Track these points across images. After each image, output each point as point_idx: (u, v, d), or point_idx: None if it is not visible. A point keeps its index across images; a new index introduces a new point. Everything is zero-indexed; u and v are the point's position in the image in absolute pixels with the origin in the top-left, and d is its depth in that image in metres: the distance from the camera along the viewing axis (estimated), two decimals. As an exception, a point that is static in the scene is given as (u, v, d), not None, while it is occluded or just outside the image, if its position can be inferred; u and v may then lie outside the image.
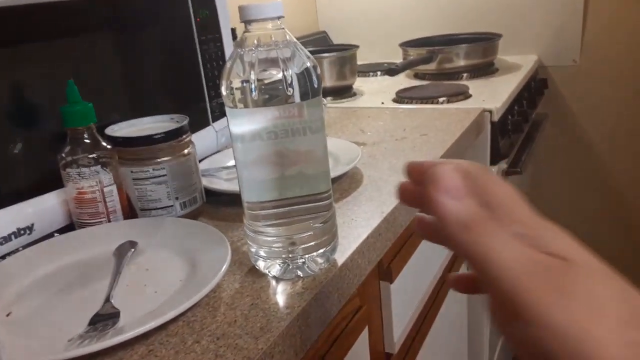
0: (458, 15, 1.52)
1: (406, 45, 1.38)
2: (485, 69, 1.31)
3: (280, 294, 0.44)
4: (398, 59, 1.46)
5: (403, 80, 1.33)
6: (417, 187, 0.29)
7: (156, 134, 0.56)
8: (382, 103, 1.11)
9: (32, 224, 0.53)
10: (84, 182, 0.53)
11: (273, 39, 0.42)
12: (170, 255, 0.50)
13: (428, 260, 0.77)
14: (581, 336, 0.20)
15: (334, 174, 0.62)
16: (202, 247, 0.49)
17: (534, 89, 1.32)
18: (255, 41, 0.42)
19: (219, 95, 0.79)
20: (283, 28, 0.43)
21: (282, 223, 0.45)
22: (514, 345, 0.22)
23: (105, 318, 0.40)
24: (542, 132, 1.32)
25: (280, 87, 0.41)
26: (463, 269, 1.00)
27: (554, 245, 0.22)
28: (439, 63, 1.29)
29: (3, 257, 0.51)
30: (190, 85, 0.75)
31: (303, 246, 0.45)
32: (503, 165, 1.04)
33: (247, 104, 0.42)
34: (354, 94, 1.22)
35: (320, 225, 0.46)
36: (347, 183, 0.66)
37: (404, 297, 0.68)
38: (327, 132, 0.50)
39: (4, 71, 0.52)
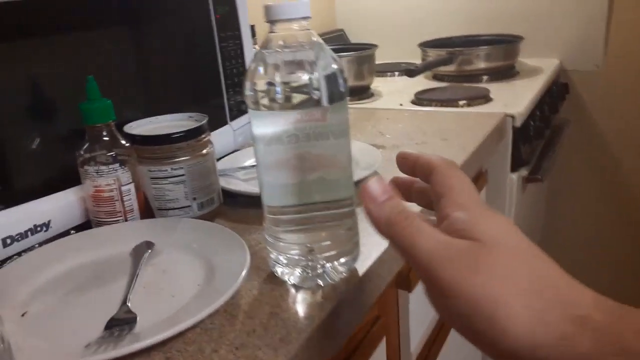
0: (478, 16, 1.49)
1: (425, 45, 1.36)
2: (505, 72, 1.29)
3: (300, 303, 0.43)
4: (416, 59, 1.44)
5: (421, 81, 1.31)
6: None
7: (175, 133, 0.55)
8: (401, 105, 1.10)
9: (49, 221, 0.52)
10: (101, 179, 0.53)
11: (299, 40, 0.41)
12: (187, 258, 0.49)
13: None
14: (489, 301, 0.24)
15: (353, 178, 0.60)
16: (220, 251, 0.48)
17: (556, 93, 1.29)
18: (281, 42, 0.41)
19: (237, 93, 0.78)
20: (309, 29, 0.42)
21: (303, 229, 0.44)
22: (444, 317, 0.27)
23: (122, 322, 0.39)
24: (562, 138, 1.30)
25: (305, 90, 0.40)
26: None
27: (476, 229, 0.27)
28: (459, 65, 1.27)
29: (19, 253, 0.51)
30: (208, 82, 0.74)
31: (324, 254, 0.44)
32: (524, 172, 1.02)
33: (270, 106, 0.41)
34: (372, 95, 1.21)
35: (342, 232, 0.44)
36: (367, 187, 0.65)
37: (422, 306, 0.66)
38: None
39: (22, 65, 0.51)
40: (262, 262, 0.49)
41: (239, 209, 0.62)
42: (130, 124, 0.59)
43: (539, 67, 1.34)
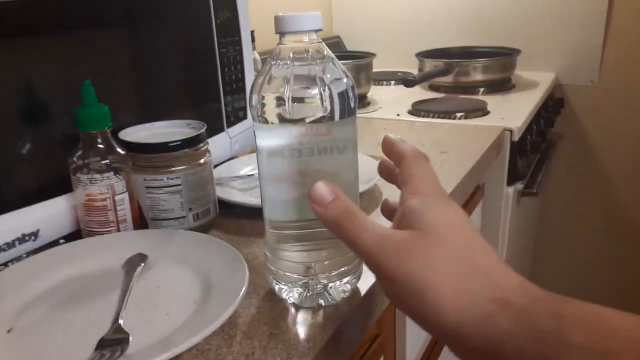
0: (475, 28, 1.49)
1: (422, 55, 1.35)
2: (502, 85, 1.29)
3: (301, 324, 0.41)
4: (412, 68, 1.43)
5: (418, 91, 1.30)
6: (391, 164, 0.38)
7: (173, 142, 0.53)
8: (398, 115, 1.09)
9: (38, 230, 0.50)
10: (94, 188, 0.51)
11: (309, 53, 0.40)
12: (182, 272, 0.47)
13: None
14: (419, 283, 0.28)
15: (354, 192, 0.59)
16: (217, 265, 0.46)
17: (552, 108, 1.29)
18: (291, 54, 0.39)
19: (235, 100, 0.76)
20: (320, 42, 0.40)
21: (303, 246, 0.43)
22: (389, 298, 0.31)
23: (113, 343, 0.37)
24: (556, 153, 1.30)
25: (314, 105, 0.39)
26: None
27: (424, 218, 0.30)
28: (456, 76, 1.27)
29: (6, 264, 0.49)
30: (206, 88, 0.72)
31: (325, 274, 0.42)
32: (519, 186, 1.01)
33: (277, 120, 0.39)
34: (368, 103, 1.20)
35: (345, 251, 0.43)
36: (366, 202, 0.64)
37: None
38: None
39: (13, 66, 0.49)
40: (260, 278, 0.48)
41: (235, 219, 0.60)
42: (126, 130, 0.57)
43: (535, 80, 1.34)
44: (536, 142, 1.07)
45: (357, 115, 0.42)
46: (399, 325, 0.61)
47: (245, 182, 0.69)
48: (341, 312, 0.42)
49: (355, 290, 0.45)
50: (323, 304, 0.43)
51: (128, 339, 0.37)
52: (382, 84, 1.41)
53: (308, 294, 0.43)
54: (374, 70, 1.23)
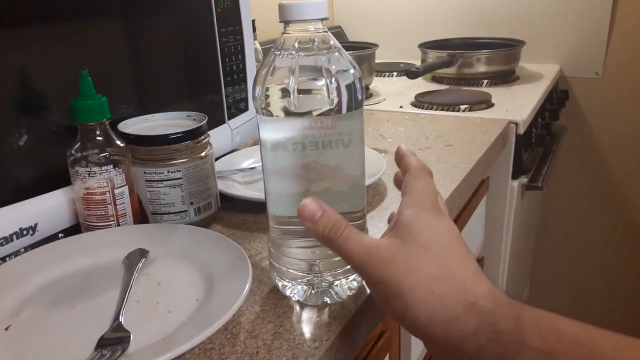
0: (479, 19, 1.47)
1: (425, 46, 1.34)
2: (506, 77, 1.27)
3: (306, 323, 0.40)
4: (414, 59, 1.42)
5: (421, 83, 1.28)
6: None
7: (173, 134, 0.52)
8: (401, 107, 1.07)
9: (36, 224, 0.49)
10: (93, 181, 0.49)
11: (315, 42, 0.38)
12: (184, 268, 0.46)
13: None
14: (397, 285, 0.31)
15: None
16: (220, 261, 0.45)
17: (556, 100, 1.28)
18: (295, 44, 0.38)
19: (237, 91, 0.75)
20: (326, 31, 0.39)
21: (309, 243, 0.41)
22: (375, 298, 0.34)
23: (114, 342, 0.36)
24: (561, 146, 1.28)
25: (320, 97, 0.37)
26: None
27: (412, 228, 0.33)
28: (459, 67, 1.25)
29: (3, 258, 0.47)
30: (207, 79, 0.70)
31: (331, 271, 0.41)
32: (523, 179, 1.00)
33: (282, 112, 0.38)
34: (371, 95, 1.18)
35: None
36: (370, 196, 0.62)
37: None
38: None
39: (8, 55, 0.47)
40: (263, 275, 0.47)
41: (237, 214, 0.59)
42: (125, 121, 0.55)
43: (539, 72, 1.33)
44: (541, 135, 1.05)
45: (361, 107, 0.41)
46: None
47: (248, 175, 0.67)
48: (347, 310, 0.41)
49: (361, 288, 0.43)
50: (329, 302, 0.42)
51: (129, 337, 0.36)
52: (384, 76, 1.39)
53: (313, 292, 0.42)
54: (376, 61, 1.22)
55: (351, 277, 0.42)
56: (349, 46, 1.23)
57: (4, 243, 0.47)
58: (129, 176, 0.52)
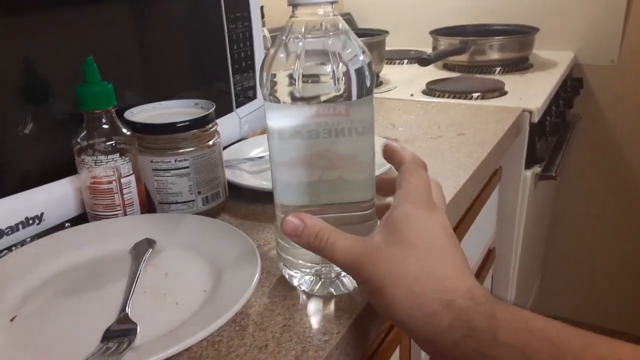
0: (491, 5, 1.44)
1: (437, 33, 1.31)
2: (519, 64, 1.24)
3: (315, 315, 0.39)
4: (425, 47, 1.39)
5: (432, 71, 1.26)
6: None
7: (180, 122, 0.51)
8: (412, 95, 1.05)
9: (42, 213, 0.48)
10: (99, 170, 0.49)
11: (324, 26, 0.37)
12: (191, 259, 0.45)
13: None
14: (382, 284, 0.33)
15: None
16: (228, 252, 0.44)
17: (570, 88, 1.25)
18: (303, 28, 0.37)
19: (245, 79, 0.74)
20: (336, 14, 0.38)
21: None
22: (364, 294, 0.37)
23: (120, 334, 0.35)
24: (574, 135, 1.26)
25: (328, 83, 0.36)
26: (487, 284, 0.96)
27: (402, 225, 0.34)
28: (471, 55, 1.23)
29: (9, 248, 0.47)
30: (214, 67, 0.69)
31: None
32: (537, 169, 0.98)
33: (289, 99, 0.37)
34: (381, 83, 1.17)
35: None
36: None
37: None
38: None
39: (13, 42, 0.46)
40: (271, 265, 0.46)
41: (245, 203, 0.58)
42: (132, 109, 0.55)
43: (553, 60, 1.30)
44: (555, 124, 1.03)
45: (370, 95, 0.39)
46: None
47: (256, 164, 0.66)
48: (357, 302, 0.40)
49: (372, 279, 0.42)
50: (334, 293, 0.41)
51: (136, 329, 0.36)
52: (394, 63, 1.37)
53: (320, 282, 0.41)
54: (387, 49, 1.20)
55: (362, 269, 0.41)
56: (359, 33, 1.20)
57: (9, 232, 0.46)
58: (136, 165, 0.51)
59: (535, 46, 1.28)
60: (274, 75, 0.37)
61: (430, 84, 1.09)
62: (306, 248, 0.36)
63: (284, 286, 0.43)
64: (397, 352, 0.53)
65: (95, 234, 0.48)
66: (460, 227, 0.72)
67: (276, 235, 0.43)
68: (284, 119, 0.38)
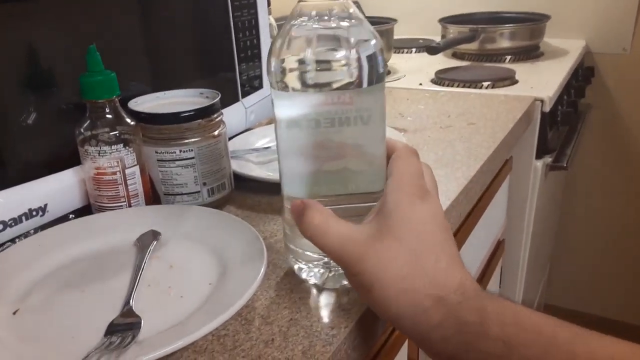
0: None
1: (446, 21, 1.29)
2: (530, 53, 1.22)
3: (323, 309, 0.38)
4: (434, 35, 1.37)
5: (441, 60, 1.24)
6: None
7: (185, 112, 0.50)
8: (420, 84, 1.04)
9: (45, 205, 0.48)
10: (103, 161, 0.48)
11: (334, 11, 0.35)
12: (197, 251, 0.44)
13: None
14: (371, 281, 0.32)
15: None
16: (233, 244, 0.43)
17: (582, 77, 1.23)
18: (313, 13, 0.35)
19: (251, 68, 0.72)
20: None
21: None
22: (353, 287, 0.35)
23: (124, 328, 0.34)
24: (586, 125, 1.24)
25: (340, 70, 0.35)
26: (494, 281, 0.95)
27: (392, 215, 0.34)
28: (481, 43, 1.20)
29: (13, 240, 0.46)
30: (220, 56, 0.68)
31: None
32: (547, 159, 0.97)
33: (299, 86, 0.35)
34: (389, 72, 1.15)
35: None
36: (390, 175, 0.60)
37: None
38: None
39: (16, 30, 0.45)
40: (278, 258, 0.45)
41: (251, 195, 0.57)
42: (136, 99, 0.54)
43: (564, 48, 1.27)
44: (567, 114, 1.01)
45: (379, 84, 0.38)
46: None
47: (262, 155, 0.65)
48: (366, 295, 0.39)
49: (381, 272, 0.41)
50: (347, 284, 0.40)
51: (140, 323, 0.35)
52: (403, 52, 1.35)
53: (330, 275, 0.40)
54: (395, 37, 1.18)
55: (371, 262, 0.40)
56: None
57: (12, 224, 0.45)
58: (140, 156, 0.50)
59: (546, 34, 1.26)
60: (283, 62, 0.36)
61: (440, 72, 1.07)
62: (304, 232, 0.36)
63: (291, 279, 0.42)
64: (405, 345, 0.52)
65: (100, 225, 0.48)
66: (470, 219, 0.70)
67: (284, 226, 0.42)
68: (292, 107, 0.37)
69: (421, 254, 0.32)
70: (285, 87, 0.36)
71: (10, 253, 0.44)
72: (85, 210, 0.51)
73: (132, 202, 0.50)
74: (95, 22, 0.52)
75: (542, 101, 0.89)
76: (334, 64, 0.35)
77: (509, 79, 1.00)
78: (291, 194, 0.40)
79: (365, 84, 0.35)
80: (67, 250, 0.45)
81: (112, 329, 0.34)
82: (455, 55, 1.27)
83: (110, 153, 0.48)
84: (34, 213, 0.47)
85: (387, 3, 1.55)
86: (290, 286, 0.41)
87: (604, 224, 1.52)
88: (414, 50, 1.34)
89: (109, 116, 0.48)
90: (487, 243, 0.86)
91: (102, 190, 0.49)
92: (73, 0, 0.50)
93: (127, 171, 0.49)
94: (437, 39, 1.31)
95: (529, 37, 1.21)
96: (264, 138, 0.70)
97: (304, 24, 0.35)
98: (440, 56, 1.26)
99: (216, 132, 0.52)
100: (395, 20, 1.17)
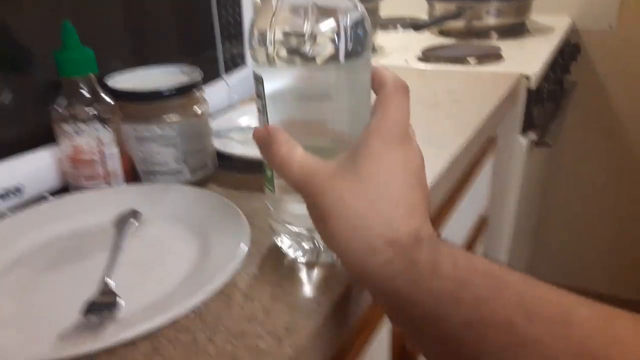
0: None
1: (432, -2, 1.28)
2: (516, 30, 1.21)
3: (306, 284, 0.38)
4: (420, 13, 1.36)
5: (427, 37, 1.23)
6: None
7: (165, 89, 0.49)
8: (406, 61, 1.03)
9: (21, 185, 0.47)
10: (81, 139, 0.47)
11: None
12: (178, 230, 0.44)
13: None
14: (327, 212, 0.32)
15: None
16: (215, 222, 0.43)
17: (567, 54, 1.23)
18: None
19: (234, 45, 0.71)
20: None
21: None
22: (311, 218, 0.34)
23: (102, 307, 0.34)
24: (571, 102, 1.24)
25: (323, 42, 0.34)
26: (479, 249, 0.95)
27: (365, 159, 0.32)
28: (468, 20, 1.20)
29: (-12, 221, 0.45)
30: (201, 32, 0.66)
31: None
32: (532, 136, 0.97)
33: (281, 60, 0.34)
34: (375, 50, 1.14)
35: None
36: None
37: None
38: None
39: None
40: (261, 235, 0.44)
41: (234, 174, 0.57)
42: (114, 76, 0.52)
43: (550, 25, 1.27)
44: (553, 91, 1.01)
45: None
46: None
47: (246, 133, 0.64)
48: (350, 271, 0.39)
49: (364, 248, 0.41)
50: (333, 260, 0.40)
51: (117, 301, 0.34)
52: (388, 29, 1.34)
53: (315, 249, 0.40)
54: (380, 15, 1.16)
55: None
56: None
57: (-12, 205, 0.44)
58: (119, 134, 0.49)
59: (532, 11, 1.25)
60: (266, 34, 0.34)
61: (426, 50, 1.06)
62: (270, 162, 0.36)
63: (274, 256, 0.41)
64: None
65: (78, 205, 0.47)
66: (455, 194, 0.70)
67: (267, 201, 0.41)
68: (275, 82, 0.36)
69: (381, 198, 0.32)
70: (267, 61, 0.35)
71: (-15, 234, 0.43)
72: (63, 191, 0.50)
73: (111, 181, 0.49)
74: (69, -4, 0.50)
75: (527, 78, 0.89)
76: (318, 35, 0.34)
77: (495, 56, 0.99)
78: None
79: (349, 56, 0.34)
80: (44, 231, 0.44)
81: (90, 308, 0.34)
82: (442, 33, 1.26)
83: (88, 132, 0.47)
84: (10, 194, 0.46)
85: (373, -20, 1.52)
86: (273, 263, 0.41)
87: (588, 199, 1.54)
88: (399, 27, 1.33)
89: (86, 94, 0.47)
90: (471, 219, 0.86)
91: (79, 170, 0.48)
92: (44, -28, 0.48)
93: (105, 149, 0.48)
94: (424, 17, 1.29)
95: (515, 14, 1.20)
96: (247, 116, 0.69)
97: (285, -6, 0.34)
98: (426, 34, 1.25)
99: (198, 110, 0.51)
100: (381, -3, 1.15)
